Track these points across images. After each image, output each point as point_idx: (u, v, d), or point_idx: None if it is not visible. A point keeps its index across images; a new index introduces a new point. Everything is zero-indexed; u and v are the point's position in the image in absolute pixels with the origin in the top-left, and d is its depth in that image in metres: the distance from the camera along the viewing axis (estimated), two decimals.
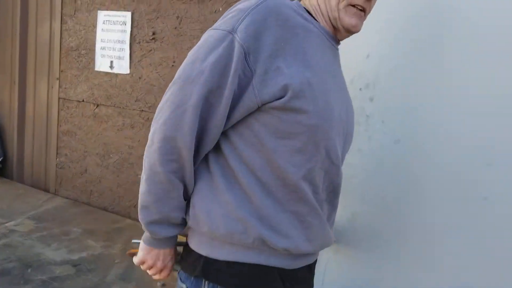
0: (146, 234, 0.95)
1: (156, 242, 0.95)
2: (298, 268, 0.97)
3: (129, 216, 2.46)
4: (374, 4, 1.07)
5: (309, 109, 0.89)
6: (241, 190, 0.91)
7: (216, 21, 1.94)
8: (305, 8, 1.01)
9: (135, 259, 0.99)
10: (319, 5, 1.01)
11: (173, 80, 0.89)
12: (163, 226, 0.92)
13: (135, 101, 2.35)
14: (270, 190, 0.92)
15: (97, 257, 1.92)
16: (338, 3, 0.98)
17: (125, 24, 2.30)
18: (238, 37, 0.86)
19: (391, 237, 1.49)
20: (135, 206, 2.44)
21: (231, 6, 1.79)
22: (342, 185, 1.47)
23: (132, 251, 1.90)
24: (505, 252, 1.28)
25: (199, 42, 0.90)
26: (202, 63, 0.87)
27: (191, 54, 0.89)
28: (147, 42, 2.25)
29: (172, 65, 2.19)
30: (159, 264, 0.97)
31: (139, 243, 1.01)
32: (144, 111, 2.33)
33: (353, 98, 1.51)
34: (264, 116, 0.90)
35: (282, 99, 0.87)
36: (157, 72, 2.24)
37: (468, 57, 1.33)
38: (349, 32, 1.02)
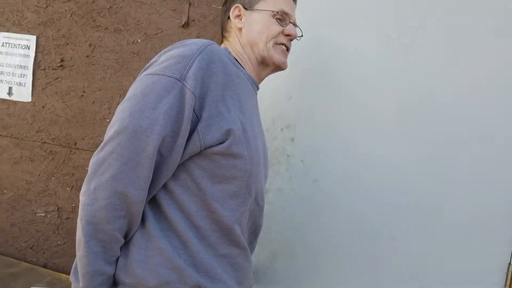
0: None
1: None
2: None
3: (24, 259, 2.21)
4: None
5: (244, 154, 0.93)
6: (175, 236, 0.89)
7: (135, 52, 1.87)
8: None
9: None
10: (244, 51, 1.12)
11: (116, 129, 0.83)
12: (105, 286, 0.86)
13: (36, 132, 2.15)
14: (204, 234, 0.92)
15: None
16: (266, 43, 1.10)
17: (29, 48, 2.12)
18: (189, 84, 0.86)
19: (310, 277, 1.51)
20: (32, 247, 2.20)
21: (150, 38, 1.72)
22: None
23: None
24: None
25: (141, 88, 0.87)
26: (153, 112, 0.84)
27: (135, 101, 0.85)
28: (54, 69, 2.09)
29: (82, 95, 2.05)
30: None
31: None
32: (47, 143, 2.14)
33: (274, 138, 1.53)
34: (204, 161, 0.90)
35: (224, 144, 0.90)
36: (63, 102, 2.09)
37: (376, 105, 1.42)
38: (279, 69, 1.15)
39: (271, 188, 1.53)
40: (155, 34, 1.84)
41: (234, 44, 1.13)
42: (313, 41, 1.50)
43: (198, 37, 1.80)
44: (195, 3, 1.79)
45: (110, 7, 1.94)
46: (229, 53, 1.04)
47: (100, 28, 1.98)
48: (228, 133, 0.89)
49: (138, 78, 0.91)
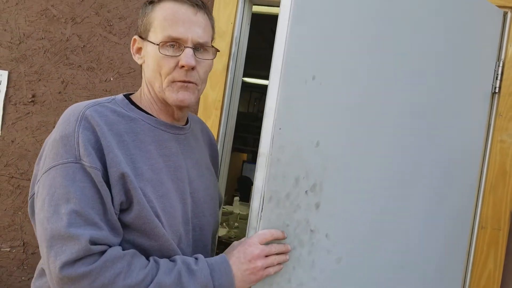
0: None
1: None
2: None
3: None
4: (207, 70, 0.99)
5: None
6: None
7: (107, 90, 2.00)
8: (133, 103, 0.98)
9: None
10: (149, 91, 0.99)
11: (47, 245, 0.83)
12: None
13: (5, 166, 2.09)
14: None
15: None
16: (161, 83, 0.95)
17: (0, 83, 2.08)
18: (86, 162, 0.82)
19: None
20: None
21: (122, 76, 1.89)
22: None
23: None
24: None
25: (47, 190, 0.83)
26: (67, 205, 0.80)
27: (46, 209, 0.82)
28: (25, 104, 2.07)
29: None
30: None
31: None
32: (15, 177, 2.06)
33: (296, 208, 0.98)
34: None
35: (129, 211, 0.88)
36: (33, 137, 2.06)
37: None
38: (181, 108, 0.99)
39: (291, 287, 1.07)
40: (128, 73, 1.88)
41: (143, 83, 1.02)
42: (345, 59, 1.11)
43: None
44: None
45: (84, 46, 1.96)
46: (124, 103, 0.96)
47: (73, 65, 1.99)
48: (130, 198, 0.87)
49: (39, 178, 0.87)
